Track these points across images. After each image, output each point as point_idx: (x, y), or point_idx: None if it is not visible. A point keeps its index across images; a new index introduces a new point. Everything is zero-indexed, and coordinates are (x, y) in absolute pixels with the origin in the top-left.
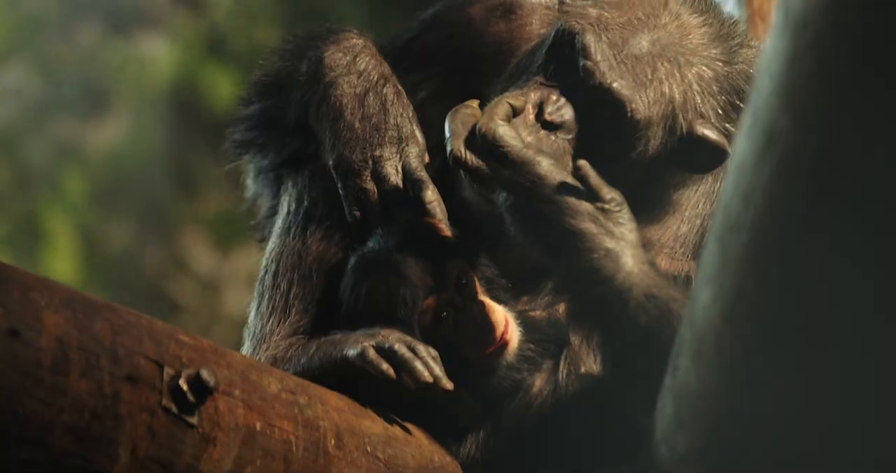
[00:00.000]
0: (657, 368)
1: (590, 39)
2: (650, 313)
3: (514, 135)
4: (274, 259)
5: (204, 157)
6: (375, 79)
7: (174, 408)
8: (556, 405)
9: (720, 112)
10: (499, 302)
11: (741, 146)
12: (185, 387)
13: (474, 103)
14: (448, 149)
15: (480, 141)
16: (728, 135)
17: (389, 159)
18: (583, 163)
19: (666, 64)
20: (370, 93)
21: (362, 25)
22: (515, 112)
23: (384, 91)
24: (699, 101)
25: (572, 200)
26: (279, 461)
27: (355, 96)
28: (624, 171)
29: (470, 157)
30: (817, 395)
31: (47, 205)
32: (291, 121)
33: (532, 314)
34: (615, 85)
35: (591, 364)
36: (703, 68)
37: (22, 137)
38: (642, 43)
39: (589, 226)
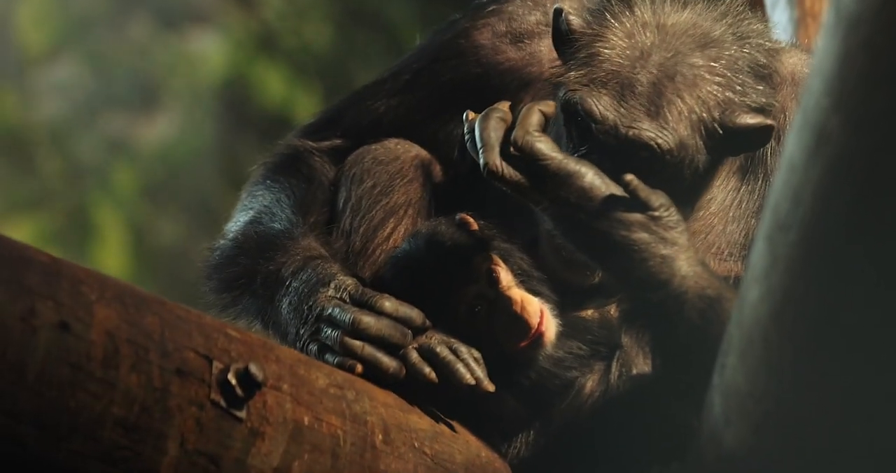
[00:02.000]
0: (707, 366)
1: (590, 103)
2: (704, 313)
3: (553, 146)
4: None
5: (253, 153)
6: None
7: (223, 402)
8: (607, 406)
9: (744, 90)
10: (535, 294)
11: (791, 145)
12: (233, 381)
13: (504, 106)
14: (481, 161)
15: (518, 154)
16: (762, 109)
17: (330, 299)
18: (630, 177)
19: (667, 82)
20: (305, 269)
21: (412, 22)
22: (547, 119)
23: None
24: (719, 95)
25: (623, 212)
26: (327, 455)
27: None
28: (688, 188)
29: (507, 171)
30: (864, 394)
31: (97, 199)
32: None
33: (583, 314)
34: (631, 133)
35: (642, 365)
36: (709, 62)
37: (73, 132)
38: (637, 77)
39: (642, 236)
